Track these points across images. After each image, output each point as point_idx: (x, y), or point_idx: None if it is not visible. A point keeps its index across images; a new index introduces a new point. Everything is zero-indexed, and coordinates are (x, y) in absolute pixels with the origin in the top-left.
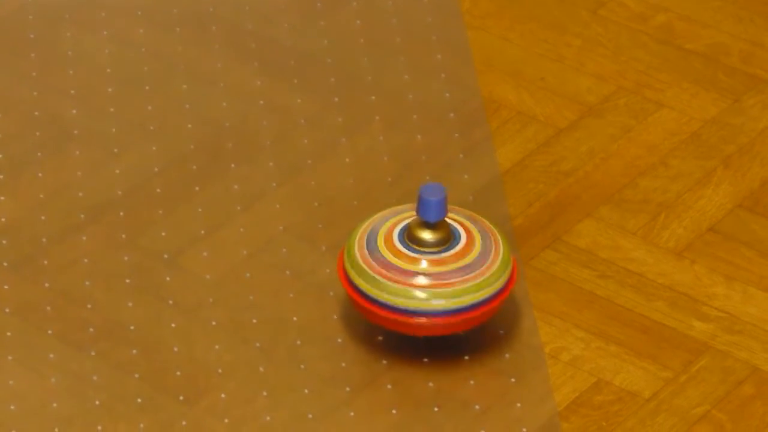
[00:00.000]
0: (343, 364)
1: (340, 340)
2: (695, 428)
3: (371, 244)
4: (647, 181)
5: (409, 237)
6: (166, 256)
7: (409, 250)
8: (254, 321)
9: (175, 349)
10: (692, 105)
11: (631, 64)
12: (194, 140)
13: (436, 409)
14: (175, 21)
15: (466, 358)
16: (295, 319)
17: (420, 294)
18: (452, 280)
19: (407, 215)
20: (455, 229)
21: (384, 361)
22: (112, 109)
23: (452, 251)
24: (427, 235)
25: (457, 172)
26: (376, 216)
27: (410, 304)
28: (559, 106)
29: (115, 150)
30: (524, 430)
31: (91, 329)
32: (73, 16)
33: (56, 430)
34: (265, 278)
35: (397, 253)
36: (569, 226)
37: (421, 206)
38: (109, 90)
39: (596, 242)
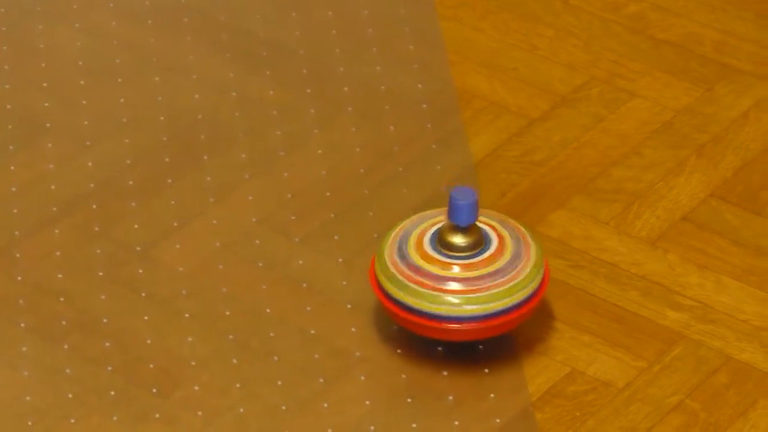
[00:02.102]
0: (317, 356)
1: (313, 332)
2: (669, 417)
3: (402, 250)
4: (620, 170)
5: (440, 242)
6: (138, 248)
7: (440, 255)
8: (227, 313)
9: (149, 341)
10: (665, 94)
11: (603, 53)
12: (167, 132)
13: (409, 400)
14: (147, 13)
15: (439, 349)
16: (268, 310)
17: (452, 299)
18: (484, 285)
19: (438, 219)
20: (486, 232)
21: (357, 353)
22: (84, 102)
23: (484, 255)
24: (458, 240)
25: (430, 163)
26: (406, 221)
27: (442, 310)
28: (531, 96)
29: (88, 142)
30: (498, 420)
31: (64, 322)
32: (44, 8)
33: (29, 422)
34: (239, 270)
35: (428, 258)
36: (542, 216)
37: (452, 210)
38: (81, 82)
39: (569, 232)
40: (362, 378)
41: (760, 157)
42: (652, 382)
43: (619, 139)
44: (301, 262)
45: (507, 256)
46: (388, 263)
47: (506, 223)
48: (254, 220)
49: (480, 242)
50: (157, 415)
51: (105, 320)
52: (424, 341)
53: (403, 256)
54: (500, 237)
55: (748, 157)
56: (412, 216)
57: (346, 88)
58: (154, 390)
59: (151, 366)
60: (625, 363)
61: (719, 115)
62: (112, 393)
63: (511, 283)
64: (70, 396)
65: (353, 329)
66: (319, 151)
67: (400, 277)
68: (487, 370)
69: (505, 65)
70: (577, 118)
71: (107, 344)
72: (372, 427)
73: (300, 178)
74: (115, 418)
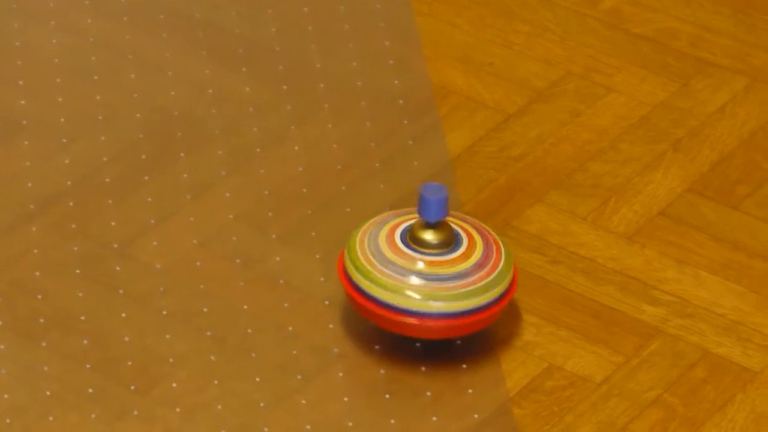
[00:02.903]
0: (295, 352)
1: (291, 328)
2: (647, 412)
3: (372, 241)
4: (597, 165)
5: (411, 237)
6: (116, 245)
7: (409, 249)
8: (205, 310)
9: (126, 338)
10: (641, 89)
11: (579, 49)
12: (143, 129)
13: (387, 396)
14: (123, 10)
15: (417, 345)
16: (245, 307)
17: (413, 294)
18: (448, 285)
19: (412, 216)
20: (458, 233)
21: (335, 349)
22: (60, 99)
23: (452, 255)
24: (428, 236)
25: (407, 159)
26: (378, 216)
27: (403, 303)
28: (508, 92)
29: (64, 140)
30: (476, 416)
31: (42, 320)
32: (20, 5)
33: (8, 420)
34: (216, 267)
35: (396, 251)
36: (519, 212)
37: (421, 206)
38: (58, 80)
39: (546, 227)
40: (340, 374)
41: (737, 151)
42: (630, 377)
43: (596, 134)
44: (278, 258)
45: (474, 258)
46: (358, 253)
47: (479, 229)
48: (231, 216)
49: (450, 241)
50: (135, 413)
51: (82, 318)
52: (402, 337)
53: (372, 247)
54: (471, 239)
55: (724, 151)
56: (387, 210)
57: (322, 85)
58: (132, 387)
59: (129, 363)
60: (602, 358)
61: (696, 109)
62: (90, 390)
63: (474, 286)
64: (48, 394)
65: (331, 326)
66: (296, 148)
67: (367, 266)
68: (464, 366)
69: (482, 61)
70: (554, 113)
71: (85, 342)
72: (350, 424)
73: (277, 175)
74: (93, 416)
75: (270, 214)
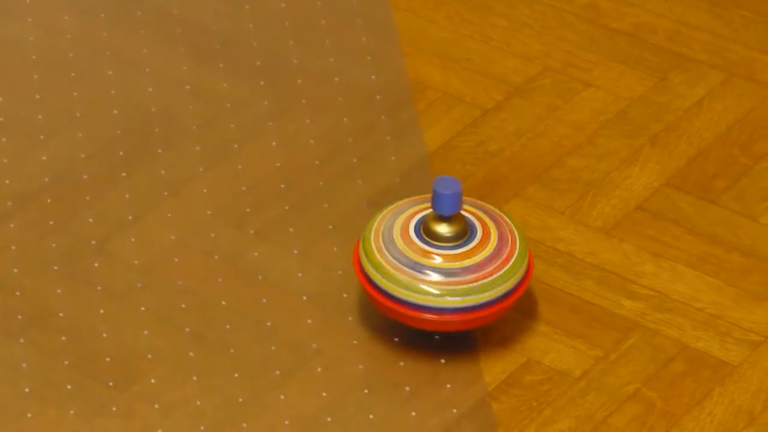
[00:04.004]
0: (273, 348)
1: (269, 324)
2: (625, 406)
3: (387, 235)
4: (575, 160)
5: (425, 230)
6: (94, 242)
7: (424, 243)
8: (183, 306)
9: (105, 335)
10: (619, 84)
11: (557, 44)
12: (121, 126)
13: (366, 391)
14: (100, 7)
15: (396, 340)
16: (224, 303)
17: (432, 290)
18: (465, 278)
19: (426, 206)
20: (472, 223)
21: (314, 345)
22: (38, 96)
23: (467, 247)
24: (442, 229)
25: (385, 154)
26: (392, 206)
27: (421, 299)
28: (485, 87)
29: (42, 137)
30: (454, 410)
31: (20, 317)
32: None
33: None
34: (194, 263)
35: (412, 246)
36: (497, 207)
37: (435, 199)
38: (35, 77)
39: (524, 222)
40: (319, 369)
41: (714, 145)
42: (608, 371)
43: (574, 128)
44: (256, 254)
45: (490, 248)
46: (373, 248)
47: (491, 214)
48: (209, 212)
49: (464, 233)
50: (114, 409)
51: (61, 314)
52: (380, 332)
53: (387, 242)
54: (485, 228)
55: (702, 146)
56: (398, 201)
57: (299, 80)
58: (111, 383)
59: (108, 359)
60: (581, 352)
61: (673, 104)
62: (69, 387)
63: (493, 276)
64: (27, 390)
65: (309, 321)
66: (274, 143)
67: (385, 265)
68: (443, 361)
69: (459, 56)
70: (532, 108)
71: (63, 338)
72: (329, 419)
73: (254, 171)
74: (72, 412)
75: (248, 209)
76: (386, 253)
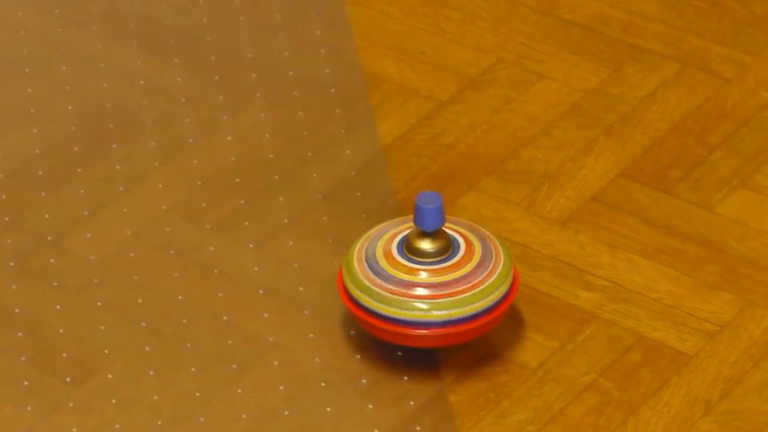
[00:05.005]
0: (230, 342)
1: (225, 318)
2: (583, 397)
3: (370, 257)
4: (529, 151)
5: (408, 248)
6: (49, 238)
7: (408, 261)
8: (140, 301)
9: (61, 330)
10: (573, 75)
11: (511, 35)
12: (75, 121)
13: (323, 384)
14: (54, 2)
15: (352, 333)
16: (180, 297)
17: (420, 305)
18: (452, 290)
19: (406, 227)
20: (454, 238)
21: (270, 338)
22: None
23: (451, 261)
24: (425, 245)
25: (340, 148)
26: (373, 229)
27: (410, 316)
28: (440, 80)
29: None
30: (412, 403)
31: None
32: None
33: None
34: (150, 258)
35: (396, 265)
36: (453, 199)
37: (418, 215)
38: None
39: (480, 214)
40: (276, 363)
41: (669, 136)
42: (565, 362)
43: (528, 120)
44: (212, 248)
45: (475, 261)
46: (357, 270)
47: (473, 229)
48: (165, 207)
49: (448, 248)
50: (71, 404)
51: (17, 310)
52: (337, 325)
53: (371, 262)
54: (468, 242)
55: (656, 136)
56: (378, 225)
57: (254, 74)
58: (68, 379)
59: (64, 355)
60: (538, 344)
61: (627, 95)
62: (26, 383)
63: (479, 288)
64: None
65: (266, 315)
66: (229, 138)
67: (368, 284)
68: (400, 353)
69: (413, 49)
70: (486, 100)
71: (20, 334)
72: (286, 412)
73: (210, 165)
74: (29, 408)
75: (203, 204)
76: (371, 274)
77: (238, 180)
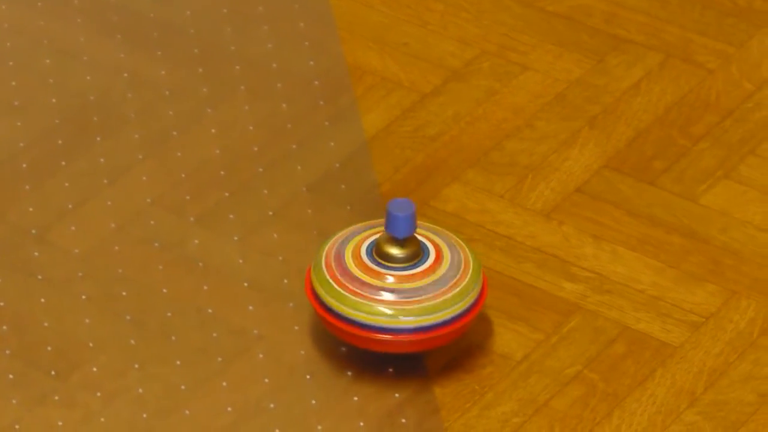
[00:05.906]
0: (215, 335)
1: (210, 311)
2: (567, 388)
3: (339, 259)
4: (513, 143)
5: (377, 253)
6: (34, 231)
7: (376, 265)
8: (124, 294)
9: (46, 324)
10: (556, 66)
11: (494, 27)
12: (59, 115)
13: (308, 377)
14: None
15: None
16: (165, 290)
17: (386, 310)
18: (420, 297)
19: (377, 230)
20: (424, 244)
21: (255, 331)
22: None
23: (421, 267)
24: (395, 251)
25: (323, 140)
26: (344, 231)
27: (376, 321)
28: (423, 71)
29: None
30: (397, 395)
31: None
32: None
33: None
34: (134, 251)
35: (364, 268)
36: (437, 191)
37: (390, 222)
38: None
39: (464, 206)
40: (260, 356)
41: (652, 127)
42: (549, 353)
43: (512, 112)
44: (196, 241)
45: (444, 267)
46: (324, 271)
47: (442, 235)
48: (149, 200)
49: (417, 254)
50: (56, 398)
51: (1, 304)
52: (320, 318)
53: (339, 264)
54: (437, 249)
55: (640, 127)
56: (350, 226)
57: (237, 67)
58: (53, 372)
59: (49, 348)
60: (522, 335)
61: (611, 86)
62: (11, 376)
63: (448, 295)
64: None
65: (250, 307)
66: (212, 130)
67: (335, 286)
68: None
69: (396, 41)
70: (470, 92)
71: (4, 328)
72: (272, 405)
73: (193, 158)
74: (14, 401)
75: (187, 197)
76: (338, 276)
77: (222, 173)
